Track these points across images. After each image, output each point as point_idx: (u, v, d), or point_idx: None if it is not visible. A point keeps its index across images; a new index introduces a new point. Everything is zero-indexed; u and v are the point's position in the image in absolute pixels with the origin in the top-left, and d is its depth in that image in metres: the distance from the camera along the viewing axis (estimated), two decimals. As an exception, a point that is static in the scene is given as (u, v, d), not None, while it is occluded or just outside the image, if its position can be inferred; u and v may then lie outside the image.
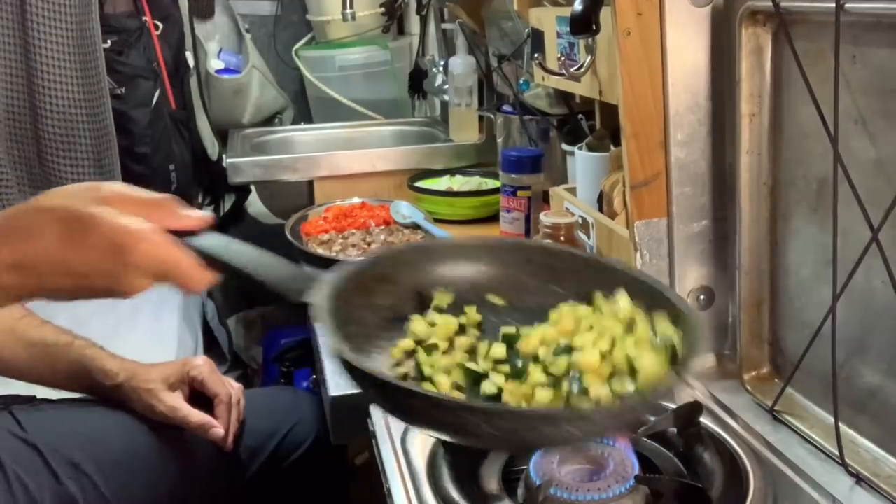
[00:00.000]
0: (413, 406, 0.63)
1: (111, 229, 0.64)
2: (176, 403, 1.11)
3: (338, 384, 1.06)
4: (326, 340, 0.66)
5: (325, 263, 1.48)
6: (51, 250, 0.64)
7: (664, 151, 0.97)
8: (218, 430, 1.11)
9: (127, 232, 0.65)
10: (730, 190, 0.96)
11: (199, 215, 0.70)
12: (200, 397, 1.15)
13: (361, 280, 0.75)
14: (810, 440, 0.85)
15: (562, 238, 1.13)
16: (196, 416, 1.11)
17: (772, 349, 0.95)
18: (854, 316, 0.80)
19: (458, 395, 0.70)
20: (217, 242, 0.70)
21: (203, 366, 1.16)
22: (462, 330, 0.76)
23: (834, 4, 0.72)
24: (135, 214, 0.66)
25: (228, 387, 1.16)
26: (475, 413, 0.61)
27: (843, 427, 0.81)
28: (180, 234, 0.69)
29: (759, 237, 0.92)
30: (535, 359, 0.71)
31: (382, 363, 0.74)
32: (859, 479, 0.79)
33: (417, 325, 0.75)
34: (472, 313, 0.78)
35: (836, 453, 0.80)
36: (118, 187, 0.69)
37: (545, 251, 0.84)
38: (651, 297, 0.75)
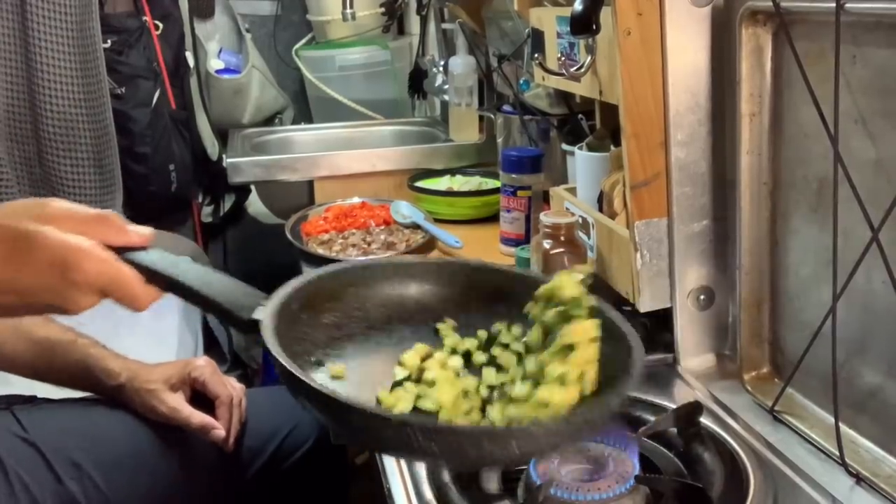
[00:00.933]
0: (353, 422, 0.62)
1: (55, 246, 0.65)
2: (177, 404, 1.11)
3: (338, 384, 1.06)
4: (273, 359, 0.66)
5: (326, 263, 1.48)
6: None
7: (664, 151, 0.97)
8: (219, 431, 1.11)
9: (70, 249, 0.65)
10: (730, 190, 0.96)
11: (142, 231, 0.71)
12: (202, 398, 1.15)
13: (307, 298, 0.76)
14: (810, 440, 0.85)
15: (562, 238, 1.13)
16: (197, 417, 1.11)
17: (772, 349, 0.95)
18: (854, 316, 0.80)
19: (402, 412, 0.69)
20: (162, 259, 0.70)
21: (205, 367, 1.16)
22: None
23: (834, 4, 0.72)
24: (78, 231, 0.67)
25: (230, 388, 1.16)
26: (415, 429, 0.60)
27: (843, 427, 0.81)
28: (124, 251, 0.69)
29: (760, 237, 0.92)
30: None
31: (325, 381, 0.74)
32: (859, 479, 0.79)
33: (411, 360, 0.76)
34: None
35: (837, 453, 0.80)
36: (61, 204, 0.69)
37: (487, 270, 0.84)
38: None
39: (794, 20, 0.81)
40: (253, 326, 0.68)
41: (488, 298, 0.81)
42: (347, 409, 0.62)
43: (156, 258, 0.70)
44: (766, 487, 0.78)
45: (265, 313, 0.69)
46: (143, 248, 0.70)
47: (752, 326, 0.95)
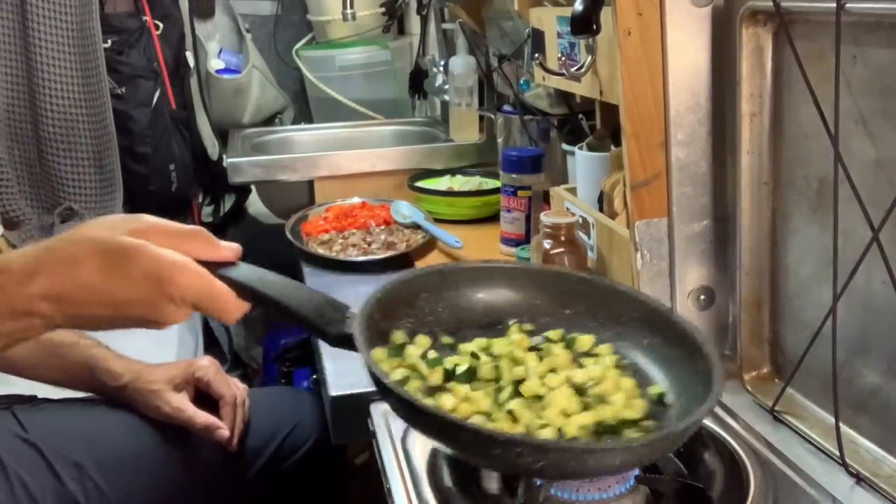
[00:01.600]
0: (465, 440, 0.64)
1: (151, 261, 0.67)
2: (181, 404, 1.11)
3: (338, 384, 1.06)
4: (370, 371, 0.68)
5: (326, 263, 1.49)
6: (91, 281, 0.67)
7: (664, 151, 0.97)
8: (223, 431, 1.11)
9: (166, 263, 0.67)
10: (730, 190, 0.96)
11: (231, 247, 0.73)
12: (205, 398, 1.15)
13: (386, 306, 0.78)
14: (810, 440, 0.85)
15: (562, 238, 1.13)
16: (202, 417, 1.11)
17: (772, 349, 0.95)
18: (854, 316, 0.80)
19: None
20: (251, 273, 0.72)
21: (209, 367, 1.16)
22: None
23: (834, 4, 0.72)
24: (171, 245, 0.69)
25: (234, 388, 1.16)
26: (523, 447, 0.63)
27: (843, 427, 0.80)
28: (212, 265, 0.71)
29: (760, 237, 0.92)
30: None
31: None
32: (859, 479, 0.79)
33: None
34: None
35: (837, 453, 0.80)
36: (154, 219, 0.71)
37: (566, 277, 0.86)
38: (667, 327, 0.79)
39: (794, 20, 0.81)
40: (344, 340, 0.70)
41: (555, 303, 0.84)
42: (456, 428, 0.64)
43: (246, 273, 0.72)
44: (766, 487, 0.78)
45: (354, 327, 0.70)
46: (232, 263, 0.72)
47: (752, 326, 0.95)
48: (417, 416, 0.67)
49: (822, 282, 0.83)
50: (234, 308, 0.70)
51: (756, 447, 0.85)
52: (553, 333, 0.82)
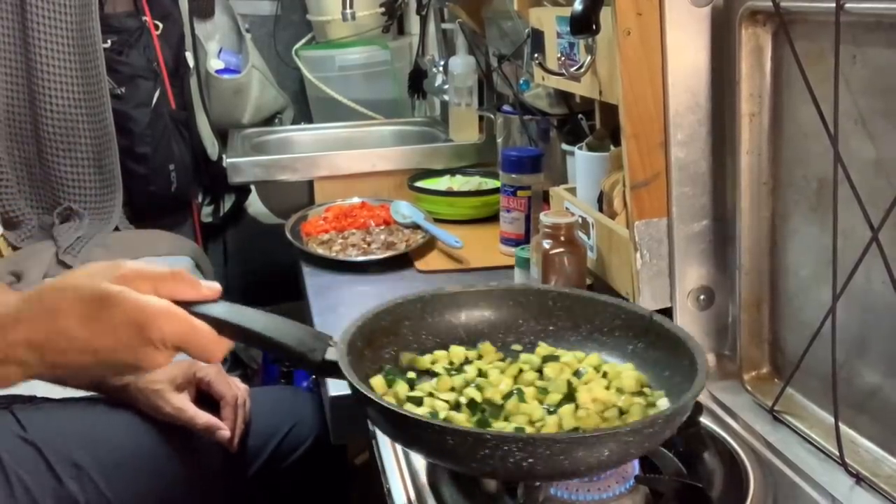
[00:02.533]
0: (447, 444, 0.65)
1: (131, 307, 0.68)
2: (183, 404, 1.11)
3: (337, 384, 1.06)
4: (358, 393, 0.69)
5: (326, 263, 1.48)
6: (70, 328, 0.67)
7: (664, 151, 0.97)
8: (224, 431, 1.11)
9: (145, 309, 0.68)
10: (730, 190, 0.96)
11: (211, 286, 0.74)
12: (206, 398, 1.15)
13: (368, 335, 0.80)
14: (810, 440, 0.85)
15: (562, 238, 1.13)
16: (203, 417, 1.11)
17: (772, 349, 0.95)
18: (854, 316, 0.80)
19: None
20: (230, 310, 0.73)
21: (210, 367, 1.16)
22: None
23: (834, 4, 0.72)
24: (152, 290, 0.70)
25: (235, 388, 1.16)
26: (513, 443, 0.63)
27: (843, 427, 0.81)
28: (191, 304, 0.71)
29: (759, 237, 0.92)
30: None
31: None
32: (859, 478, 0.79)
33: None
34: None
35: (836, 453, 0.80)
36: (135, 265, 0.72)
37: (547, 294, 0.89)
38: (649, 329, 0.82)
39: (793, 20, 0.81)
40: (328, 367, 0.72)
41: (538, 320, 0.87)
42: (442, 431, 0.65)
43: (225, 310, 0.72)
44: (766, 487, 0.78)
45: (338, 354, 0.72)
46: (213, 301, 0.73)
47: (751, 326, 0.95)
48: (406, 429, 0.68)
49: (821, 282, 0.83)
50: (217, 347, 0.71)
51: (756, 447, 0.85)
52: (541, 349, 0.85)
